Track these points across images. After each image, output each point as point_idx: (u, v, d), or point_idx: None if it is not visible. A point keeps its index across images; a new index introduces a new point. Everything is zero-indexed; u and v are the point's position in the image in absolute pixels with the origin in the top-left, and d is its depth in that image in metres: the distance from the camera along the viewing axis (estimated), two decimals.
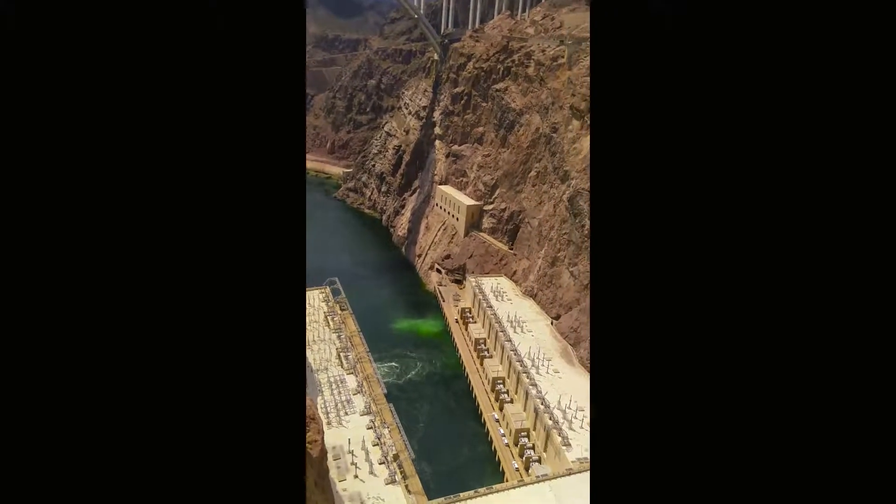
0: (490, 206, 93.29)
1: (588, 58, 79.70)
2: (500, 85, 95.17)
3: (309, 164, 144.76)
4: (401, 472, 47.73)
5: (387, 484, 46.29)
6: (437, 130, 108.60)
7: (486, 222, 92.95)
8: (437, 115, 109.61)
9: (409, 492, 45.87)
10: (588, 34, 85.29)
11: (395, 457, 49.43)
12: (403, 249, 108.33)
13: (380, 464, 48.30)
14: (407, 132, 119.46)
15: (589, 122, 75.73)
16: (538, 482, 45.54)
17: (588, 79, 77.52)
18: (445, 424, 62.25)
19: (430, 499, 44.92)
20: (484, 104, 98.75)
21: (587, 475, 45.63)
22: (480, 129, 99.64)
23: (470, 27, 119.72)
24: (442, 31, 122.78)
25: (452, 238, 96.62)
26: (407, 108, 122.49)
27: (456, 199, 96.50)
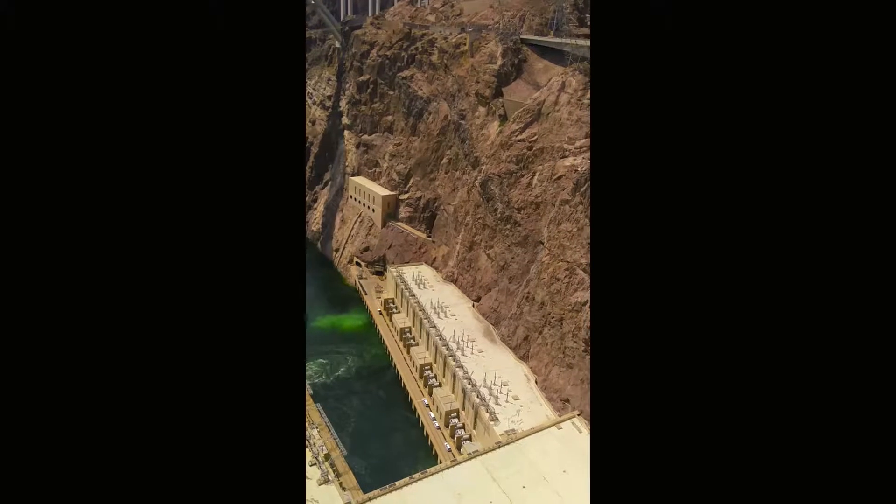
0: (406, 196, 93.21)
1: (489, 44, 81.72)
2: (406, 73, 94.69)
3: None
4: (333, 471, 47.08)
5: (319, 485, 45.47)
6: (345, 120, 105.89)
7: (403, 211, 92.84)
8: (343, 104, 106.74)
9: (343, 489, 45.43)
10: (487, 21, 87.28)
11: (327, 456, 48.60)
12: (319, 245, 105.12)
13: (310, 465, 47.23)
14: (313, 123, 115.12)
15: (494, 108, 77.97)
16: (470, 459, 47.19)
17: (490, 66, 79.58)
18: (376, 416, 62.15)
19: (365, 492, 44.85)
20: (391, 92, 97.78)
21: (515, 446, 48.11)
22: (389, 117, 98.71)
23: (370, 14, 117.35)
24: (342, 18, 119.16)
25: (370, 230, 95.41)
26: (311, 98, 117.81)
27: (370, 189, 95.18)
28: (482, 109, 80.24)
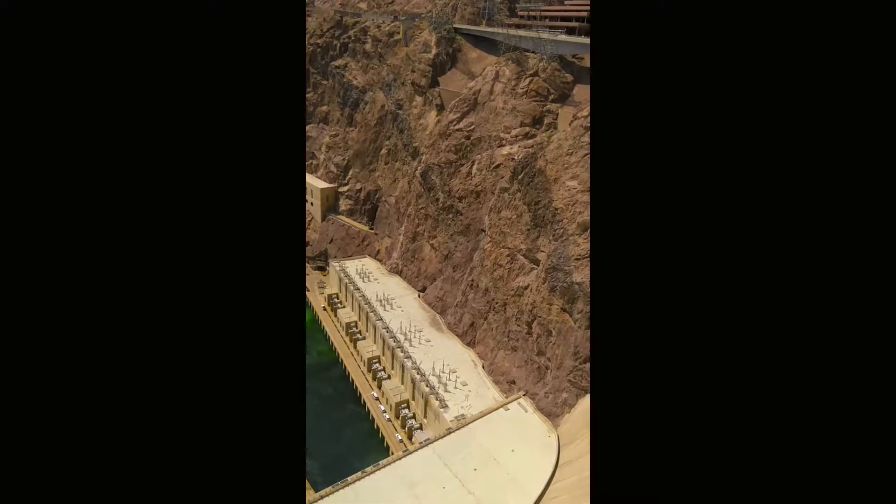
0: (345, 188, 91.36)
1: (423, 33, 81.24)
2: (340, 62, 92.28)
3: None
4: None
5: None
6: None
7: (343, 204, 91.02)
8: None
9: None
10: (420, 10, 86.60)
11: None
12: None
13: None
14: None
15: (431, 97, 77.85)
16: (421, 447, 47.69)
17: (425, 55, 79.23)
18: (325, 414, 61.18)
19: (316, 491, 44.21)
20: (325, 82, 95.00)
21: (465, 431, 49.15)
22: (324, 108, 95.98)
23: None
24: None
25: (309, 224, 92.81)
26: None
27: (308, 183, 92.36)
28: (419, 99, 79.91)
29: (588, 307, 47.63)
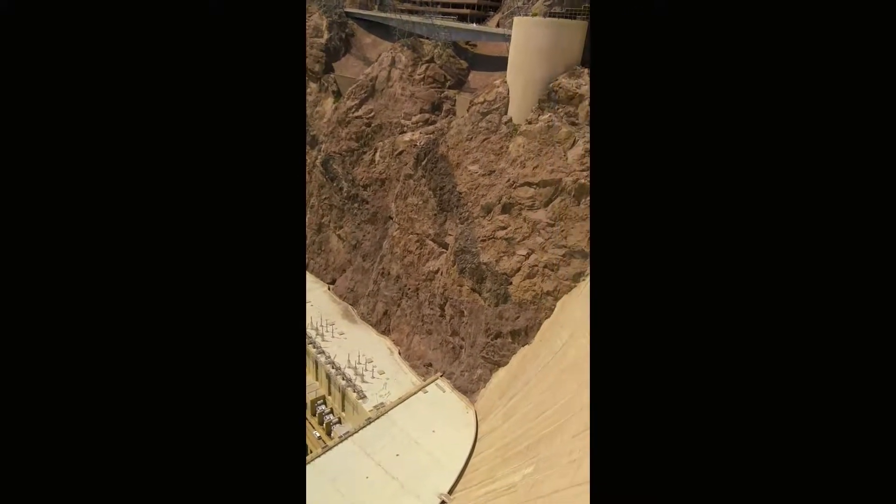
0: None
1: (313, 17, 77.86)
2: None
3: None
4: None
5: None
6: None
7: None
8: None
9: None
10: None
11: None
12: None
13: None
14: None
15: (327, 84, 75.22)
16: (342, 441, 46.96)
17: (317, 39, 76.14)
18: None
19: None
20: None
21: (385, 418, 49.21)
22: None
23: None
24: None
25: None
26: None
27: None
28: (314, 86, 76.82)
29: (495, 285, 49.72)
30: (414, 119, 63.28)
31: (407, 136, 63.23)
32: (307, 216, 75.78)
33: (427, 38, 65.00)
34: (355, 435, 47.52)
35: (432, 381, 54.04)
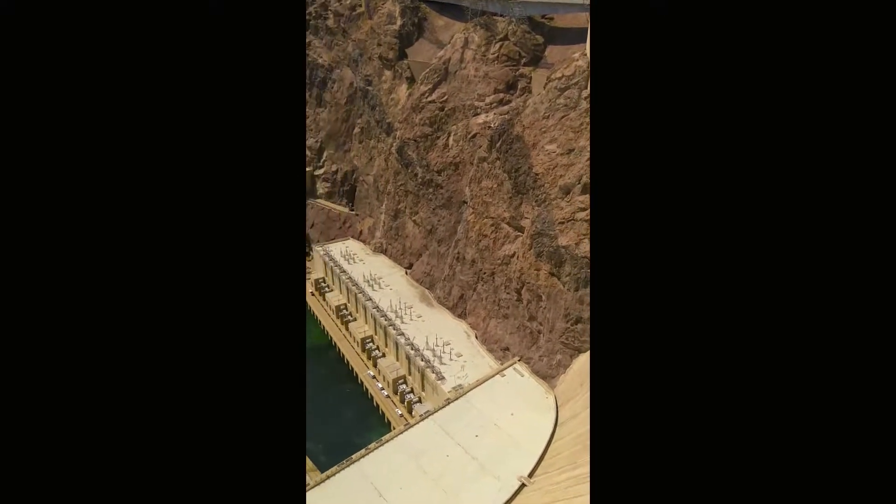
0: (321, 171, 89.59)
1: (386, 3, 78.69)
2: None
3: None
4: None
5: None
6: None
7: (321, 188, 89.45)
8: None
9: None
10: None
11: None
12: None
13: None
14: None
15: (400, 70, 76.04)
16: (422, 420, 48.43)
17: (391, 27, 76.97)
18: (323, 397, 61.48)
19: (322, 472, 44.73)
20: None
21: (464, 400, 49.98)
22: None
23: None
24: None
25: None
26: None
27: None
28: (388, 73, 77.99)
29: (575, 269, 48.16)
30: (488, 100, 62.29)
31: (481, 119, 62.47)
32: (384, 203, 77.90)
33: (501, 16, 63.32)
34: (435, 414, 48.79)
35: (510, 366, 53.92)
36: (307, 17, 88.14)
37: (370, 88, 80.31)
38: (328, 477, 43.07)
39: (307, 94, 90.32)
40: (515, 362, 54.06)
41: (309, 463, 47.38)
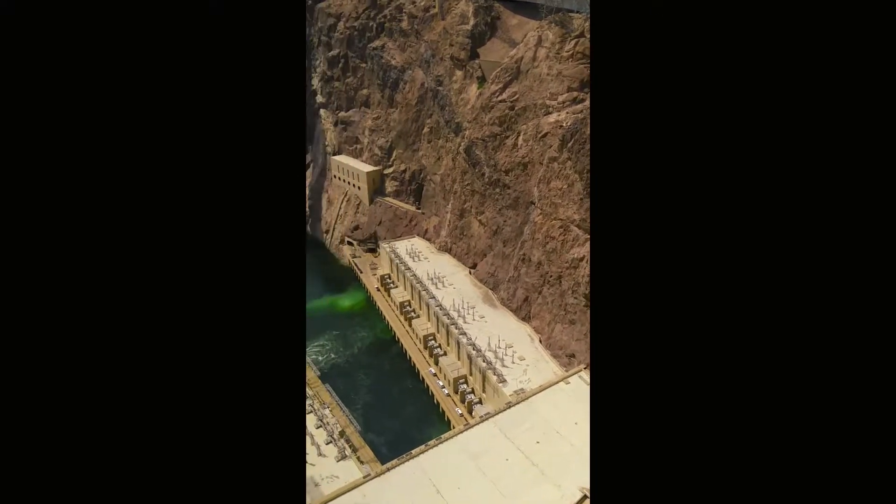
0: (390, 170, 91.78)
1: (459, 4, 79.10)
2: (377, 43, 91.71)
3: None
4: (350, 447, 47.76)
5: (338, 461, 46.19)
6: (320, 98, 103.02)
7: (389, 186, 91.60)
8: (315, 82, 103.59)
9: (361, 462, 46.20)
10: None
11: (342, 433, 49.22)
12: (309, 227, 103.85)
13: (327, 444, 47.87)
14: None
15: (471, 70, 76.10)
16: (482, 421, 48.04)
17: (463, 27, 77.25)
18: (385, 391, 62.85)
19: (383, 464, 45.65)
20: (363, 65, 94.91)
21: (525, 405, 49.00)
22: (365, 91, 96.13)
23: None
24: None
25: (358, 208, 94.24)
26: None
27: (353, 167, 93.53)
28: (459, 73, 78.32)
29: None
30: (560, 99, 60.72)
31: (552, 118, 61.01)
32: (450, 202, 78.32)
33: (577, 12, 61.50)
34: (496, 417, 48.22)
35: (576, 373, 52.18)
36: (382, 21, 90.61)
37: (440, 88, 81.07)
38: (388, 469, 43.87)
39: (380, 95, 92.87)
40: (581, 370, 52.21)
41: (370, 454, 48.56)
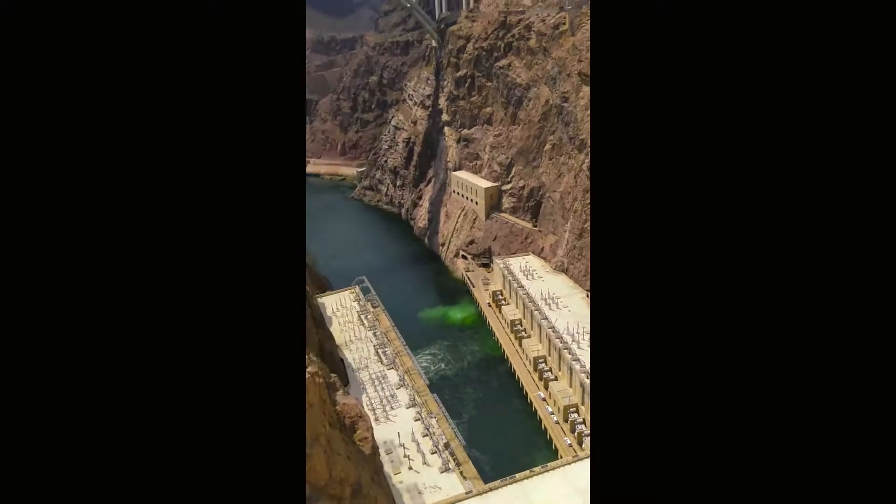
0: (508, 186, 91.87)
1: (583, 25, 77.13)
2: (503, 62, 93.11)
3: (322, 168, 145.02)
4: (454, 460, 47.68)
5: (441, 472, 46.32)
6: (445, 117, 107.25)
7: (507, 202, 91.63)
8: (442, 101, 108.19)
9: (464, 477, 45.80)
10: None
11: (446, 445, 49.40)
12: (426, 240, 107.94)
13: (431, 453, 48.35)
14: (415, 123, 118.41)
15: None
16: None
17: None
18: (491, 408, 61.98)
19: (486, 482, 44.75)
20: (489, 84, 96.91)
21: None
22: (488, 109, 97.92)
23: (464, 8, 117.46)
24: (437, 17, 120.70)
25: (474, 223, 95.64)
26: (412, 100, 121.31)
27: (472, 183, 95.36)
28: (586, 89, 76.00)
29: None
30: None
31: None
32: (569, 221, 75.74)
33: None
34: None
35: None
36: (510, 40, 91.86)
37: (566, 105, 79.42)
38: (490, 490, 42.87)
39: (503, 113, 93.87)
40: None
41: (473, 470, 48.00)
